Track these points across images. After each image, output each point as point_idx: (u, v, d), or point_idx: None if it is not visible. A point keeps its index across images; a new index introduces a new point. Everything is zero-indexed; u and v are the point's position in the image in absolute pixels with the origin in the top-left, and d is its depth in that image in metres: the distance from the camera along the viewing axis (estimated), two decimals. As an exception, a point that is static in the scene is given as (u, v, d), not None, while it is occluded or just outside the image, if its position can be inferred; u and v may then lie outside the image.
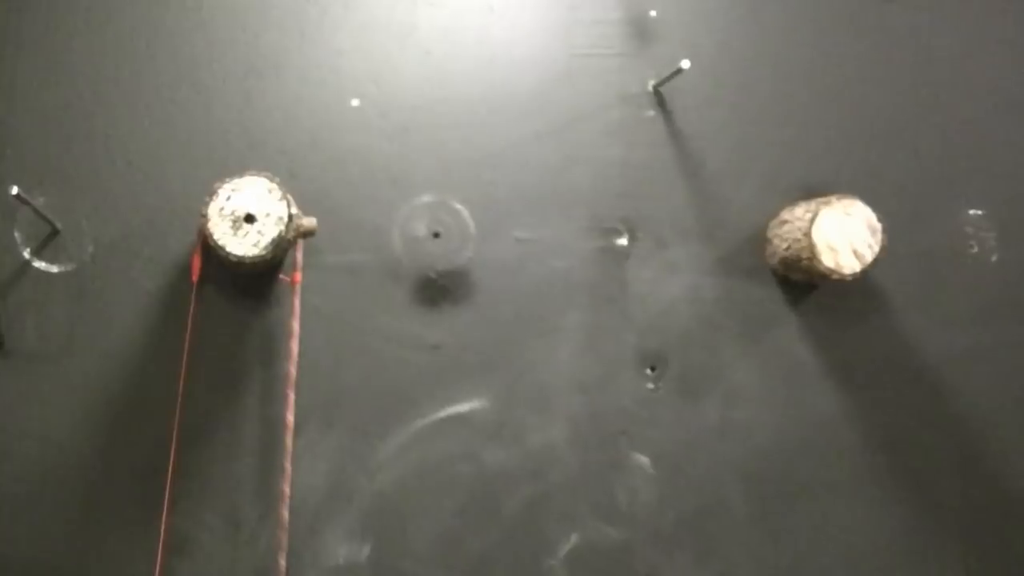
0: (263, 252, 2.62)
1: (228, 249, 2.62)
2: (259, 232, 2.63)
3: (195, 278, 2.82)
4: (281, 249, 2.66)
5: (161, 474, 2.79)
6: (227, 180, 2.64)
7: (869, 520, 3.09)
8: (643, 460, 3.03)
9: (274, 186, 2.64)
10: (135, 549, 2.81)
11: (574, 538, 3.00)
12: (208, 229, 2.61)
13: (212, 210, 2.62)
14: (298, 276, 2.81)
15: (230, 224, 2.62)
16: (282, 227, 2.63)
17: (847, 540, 3.08)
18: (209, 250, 2.73)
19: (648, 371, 3.05)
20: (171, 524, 2.82)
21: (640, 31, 3.08)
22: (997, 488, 3.13)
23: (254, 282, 2.92)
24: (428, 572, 2.95)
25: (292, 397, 2.80)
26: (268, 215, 2.63)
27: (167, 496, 2.77)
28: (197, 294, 2.85)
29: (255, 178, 2.64)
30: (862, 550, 3.08)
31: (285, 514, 2.78)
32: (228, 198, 2.63)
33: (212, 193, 2.63)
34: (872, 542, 3.08)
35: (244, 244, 2.62)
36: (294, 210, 2.66)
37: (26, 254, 2.86)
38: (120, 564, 2.81)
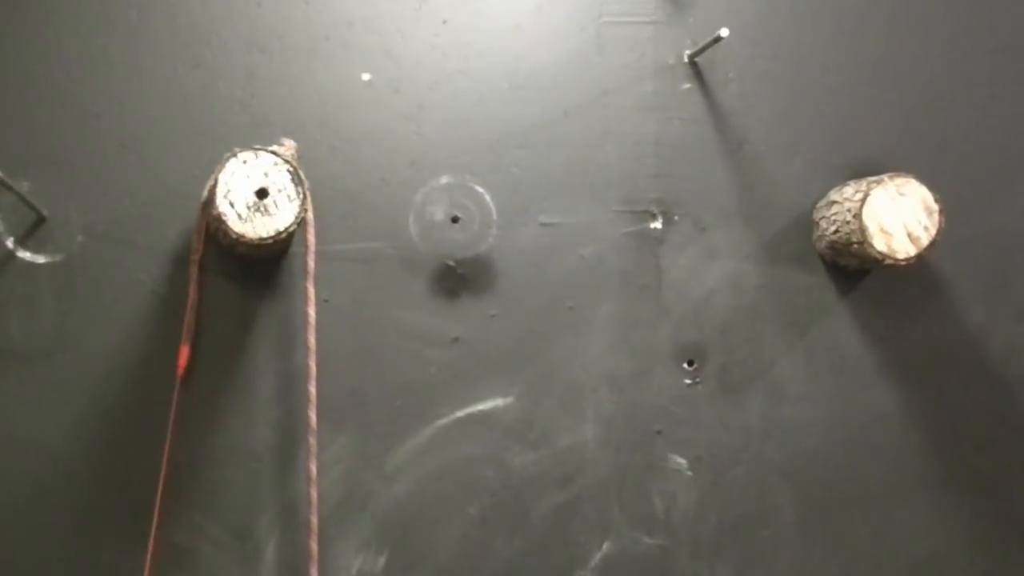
0: (295, 221, 2.64)
1: (251, 235, 2.61)
2: (276, 203, 2.63)
3: (181, 370, 2.82)
4: (298, 219, 2.68)
5: (158, 483, 2.81)
6: (220, 166, 2.64)
7: (929, 527, 3.11)
8: (681, 462, 3.05)
9: (259, 153, 2.64)
10: (131, 562, 2.79)
11: (606, 546, 3.01)
12: (226, 223, 2.61)
13: (221, 201, 2.61)
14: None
15: (245, 208, 2.61)
16: (298, 185, 2.64)
17: (905, 549, 3.10)
18: (213, 240, 2.78)
19: (686, 366, 3.06)
20: (170, 536, 2.85)
21: (676, -5, 3.04)
22: (1066, 487, 3.18)
23: (260, 270, 2.93)
24: None
25: (313, 392, 2.80)
26: (280, 189, 2.63)
27: (157, 505, 2.77)
28: (199, 279, 2.84)
29: (244, 154, 2.65)
30: (922, 560, 3.11)
31: (314, 521, 2.79)
32: (228, 188, 2.62)
33: (213, 184, 2.64)
34: (933, 551, 3.11)
35: (268, 222, 2.63)
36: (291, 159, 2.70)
37: (9, 244, 2.83)
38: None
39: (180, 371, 2.80)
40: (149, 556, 2.74)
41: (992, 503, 3.11)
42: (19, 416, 2.82)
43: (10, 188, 2.70)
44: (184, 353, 2.81)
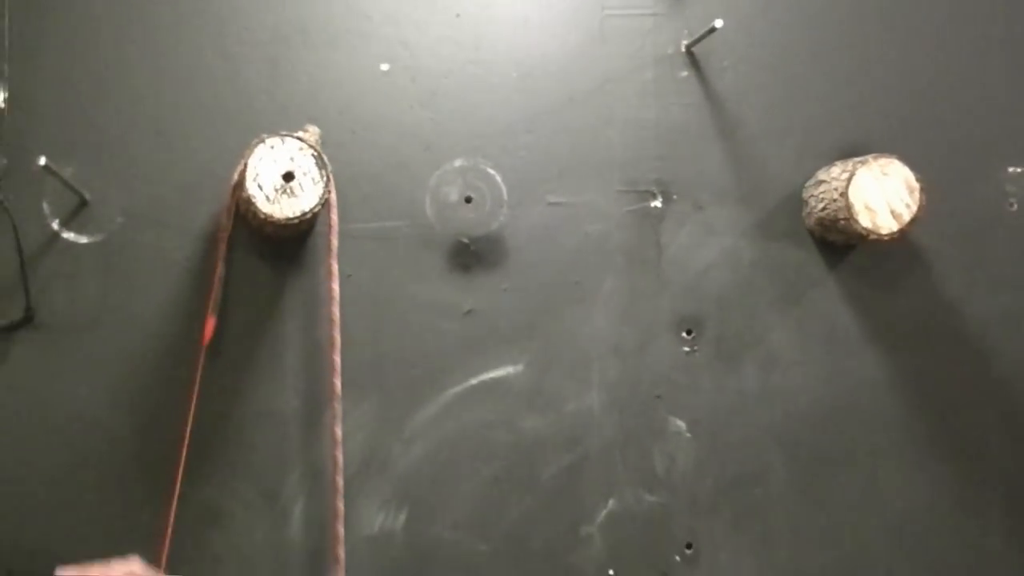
0: (320, 202, 2.67)
1: (278, 215, 2.65)
2: (301, 186, 2.67)
3: (206, 340, 2.83)
4: (322, 200, 2.70)
5: (192, 447, 2.82)
6: (249, 151, 2.67)
7: (912, 486, 3.11)
8: (680, 425, 3.06)
9: (286, 139, 2.68)
10: (165, 519, 2.80)
11: (611, 504, 3.03)
12: (254, 204, 2.65)
13: (250, 184, 2.65)
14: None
15: (273, 190, 2.65)
16: (322, 168, 2.68)
17: (889, 506, 3.10)
18: (243, 221, 2.84)
19: (684, 335, 3.07)
20: (204, 497, 2.88)
21: (673, -11, 3.06)
22: (1043, 452, 3.18)
23: (287, 248, 2.95)
24: (464, 540, 2.99)
25: (338, 361, 2.83)
26: (305, 172, 2.67)
27: (181, 465, 2.78)
28: (226, 257, 2.86)
29: (271, 140, 2.68)
30: (904, 516, 3.11)
31: (340, 481, 2.82)
32: (257, 172, 2.66)
33: (242, 168, 2.67)
34: (915, 508, 3.11)
35: (294, 203, 2.67)
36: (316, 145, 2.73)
37: (55, 225, 2.87)
38: (150, 534, 2.80)
39: (205, 341, 2.81)
40: (172, 513, 2.75)
41: (968, 461, 3.12)
42: (63, 383, 2.85)
43: (55, 174, 2.74)
44: (209, 324, 2.82)
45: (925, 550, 3.12)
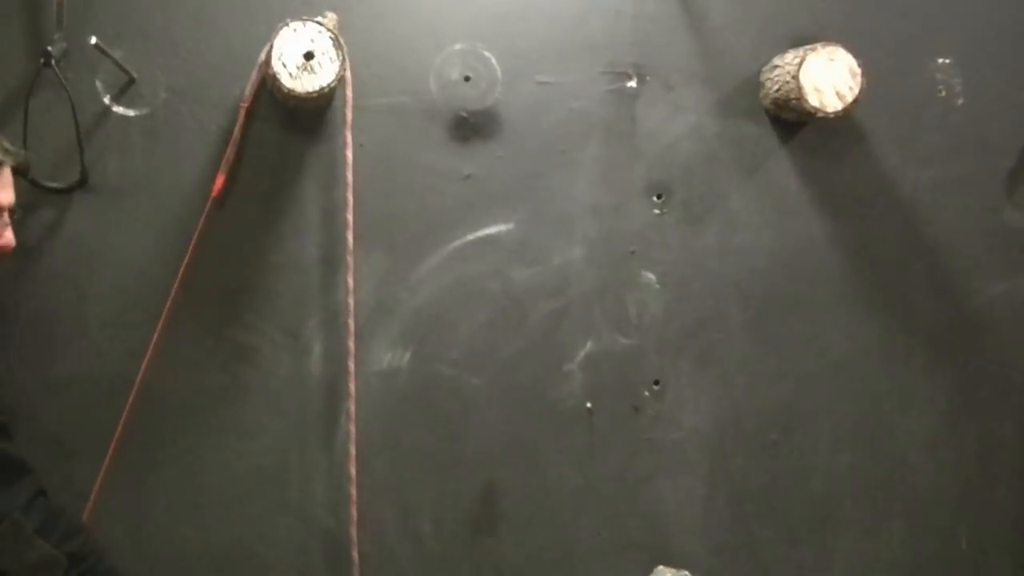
0: (336, 78, 2.75)
1: (299, 90, 2.73)
2: (320, 64, 2.75)
3: (216, 193, 2.92)
4: (338, 77, 2.76)
5: (225, 292, 2.96)
6: (275, 33, 2.73)
7: (847, 330, 3.25)
8: (651, 277, 3.16)
9: (307, 22, 2.75)
10: (201, 353, 2.97)
11: (589, 345, 3.13)
12: (279, 80, 2.72)
13: (275, 62, 2.72)
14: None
15: (295, 68, 2.74)
16: (338, 49, 2.75)
17: (828, 348, 3.25)
18: (271, 93, 2.90)
19: (655, 198, 3.16)
20: (236, 336, 2.98)
21: (651, -101, 3.09)
22: (959, 303, 3.32)
23: (308, 120, 3.00)
24: (461, 376, 3.10)
25: (351, 219, 2.92)
26: (324, 52, 2.76)
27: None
28: (247, 124, 2.93)
29: (294, 23, 2.75)
30: (840, 356, 3.26)
31: (352, 323, 2.94)
32: (281, 51, 2.74)
33: (269, 48, 2.74)
34: (849, 349, 3.26)
35: (313, 79, 2.75)
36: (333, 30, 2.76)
37: (107, 100, 2.92)
38: (189, 366, 2.95)
39: (215, 194, 2.89)
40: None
41: (897, 309, 3.26)
42: (114, 239, 2.92)
43: (107, 55, 2.79)
44: (219, 180, 2.89)
45: (859, 385, 3.27)
